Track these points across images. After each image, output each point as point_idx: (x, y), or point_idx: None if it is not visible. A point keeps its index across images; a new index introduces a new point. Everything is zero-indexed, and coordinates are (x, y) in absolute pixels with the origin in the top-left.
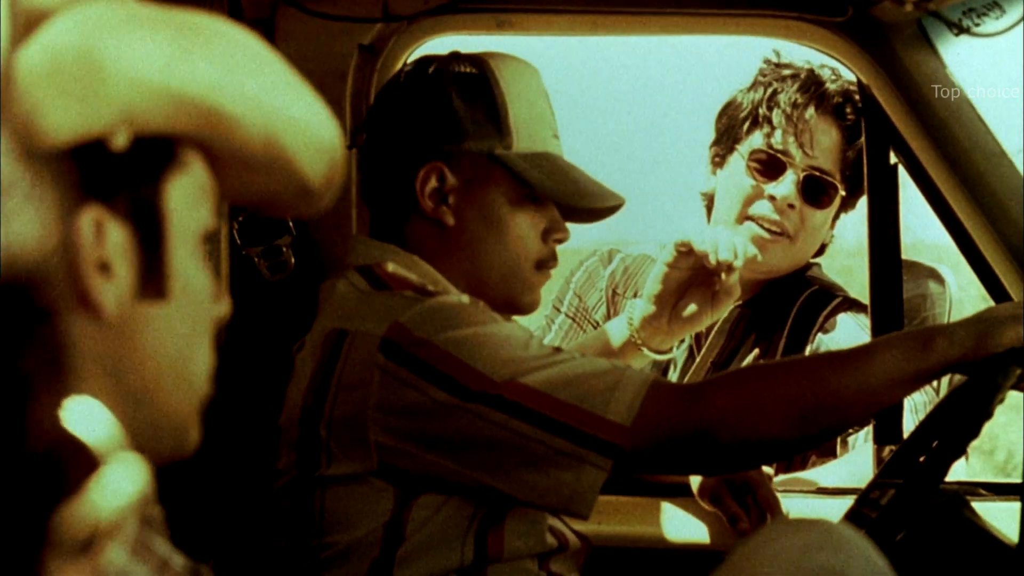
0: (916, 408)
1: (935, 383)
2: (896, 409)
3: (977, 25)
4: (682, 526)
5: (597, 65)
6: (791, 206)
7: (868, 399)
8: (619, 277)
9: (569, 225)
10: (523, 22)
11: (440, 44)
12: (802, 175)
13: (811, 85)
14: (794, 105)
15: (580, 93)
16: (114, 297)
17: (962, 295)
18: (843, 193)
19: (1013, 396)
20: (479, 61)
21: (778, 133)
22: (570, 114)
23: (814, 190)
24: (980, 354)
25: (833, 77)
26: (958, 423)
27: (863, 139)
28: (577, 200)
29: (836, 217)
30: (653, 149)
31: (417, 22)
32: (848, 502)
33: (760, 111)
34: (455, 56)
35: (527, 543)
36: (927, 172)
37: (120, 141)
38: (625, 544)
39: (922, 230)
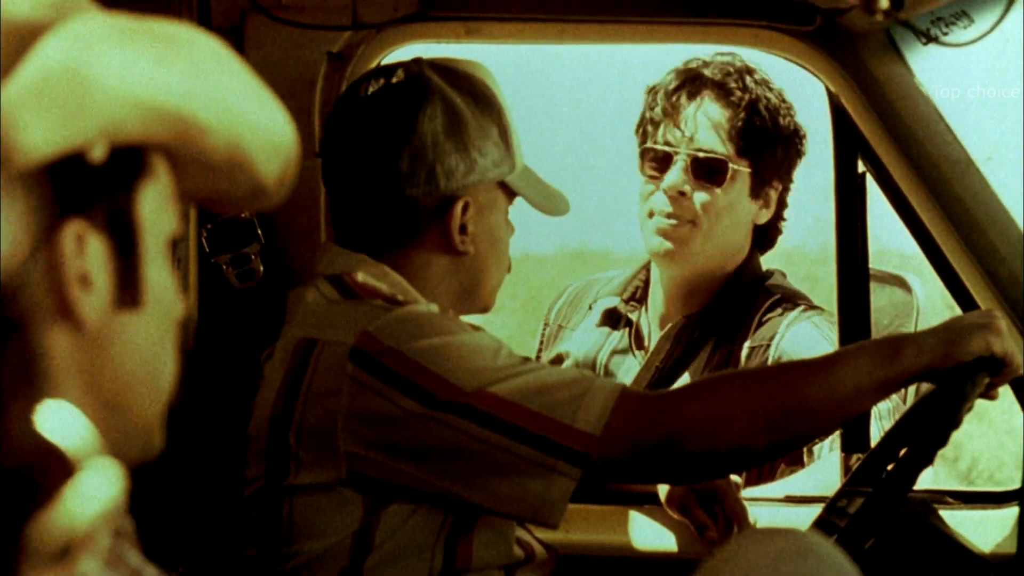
0: (881, 415)
1: (902, 391)
2: (863, 417)
3: (945, 34)
4: (650, 535)
5: (564, 69)
6: (681, 193)
7: (836, 407)
8: (565, 310)
9: (535, 231)
10: (491, 30)
11: (409, 52)
12: (688, 160)
13: (684, 72)
14: (667, 95)
15: (539, 97)
16: (94, 309)
17: (926, 303)
18: (743, 168)
19: (979, 405)
20: (483, 79)
21: (661, 128)
22: (529, 119)
23: (703, 171)
24: (948, 362)
25: (712, 60)
26: (926, 431)
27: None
28: (556, 211)
29: (766, 195)
30: (617, 156)
31: (386, 30)
32: (816, 510)
33: (647, 113)
34: (453, 71)
35: (495, 553)
36: (895, 181)
37: (98, 153)
38: (593, 552)
39: (886, 238)
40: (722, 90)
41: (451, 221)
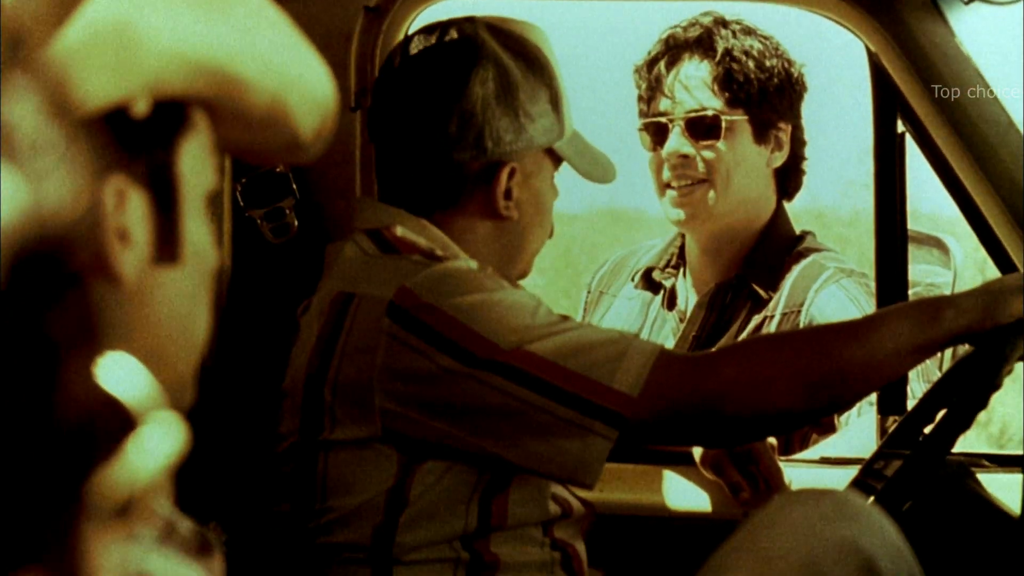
0: (918, 376)
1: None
2: (900, 379)
3: None
4: (684, 494)
5: (597, 25)
6: (684, 156)
7: (875, 370)
8: (607, 277)
9: (566, 189)
10: None
11: (445, 7)
12: (682, 123)
13: (661, 43)
14: (648, 69)
15: (571, 53)
16: (132, 264)
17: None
18: (739, 117)
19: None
20: (536, 43)
21: (652, 102)
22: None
23: (699, 130)
24: (988, 325)
25: (687, 22)
26: (965, 394)
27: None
28: (603, 179)
29: (774, 138)
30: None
31: None
32: (851, 472)
33: (638, 93)
34: (508, 34)
35: (531, 510)
36: (935, 141)
37: (142, 107)
38: (626, 512)
39: (917, 200)
40: (699, 47)
41: (496, 186)
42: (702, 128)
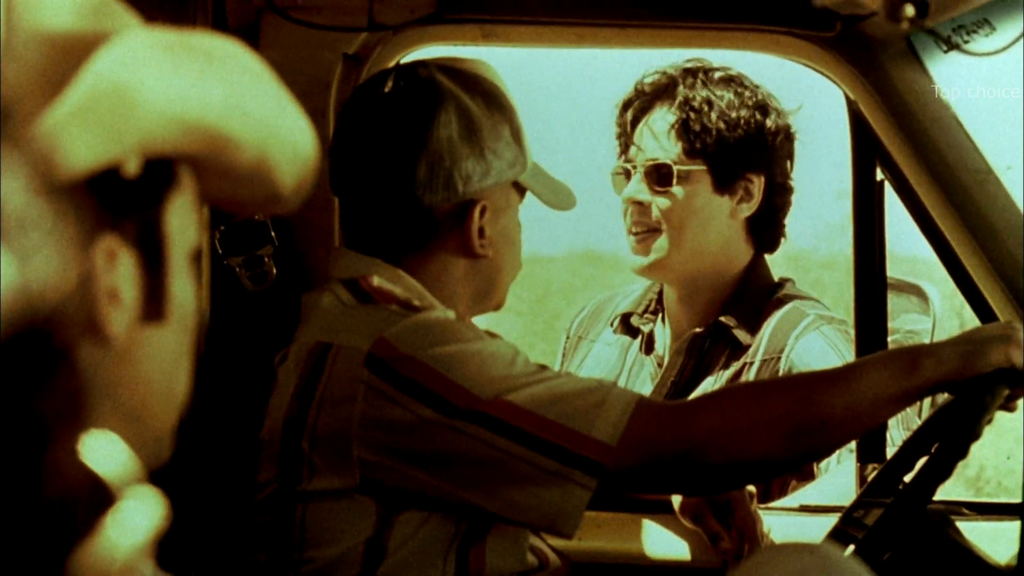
0: (898, 424)
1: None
2: (879, 427)
3: (967, 42)
4: (663, 543)
5: (571, 69)
6: (639, 203)
7: (855, 419)
8: (586, 322)
9: (543, 232)
10: (509, 33)
11: (425, 55)
12: (642, 171)
13: (635, 88)
14: (621, 114)
15: (545, 97)
16: (121, 323)
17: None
18: (696, 167)
19: None
20: (491, 79)
21: (624, 145)
22: (536, 120)
23: (656, 178)
24: (967, 374)
25: (665, 68)
26: (946, 443)
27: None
28: (565, 206)
29: (742, 188)
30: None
31: (402, 32)
32: (830, 520)
33: (616, 137)
34: (462, 73)
35: (508, 561)
36: (913, 189)
37: (132, 168)
38: (605, 560)
39: (893, 243)
40: (666, 96)
41: (470, 225)
42: (657, 176)
